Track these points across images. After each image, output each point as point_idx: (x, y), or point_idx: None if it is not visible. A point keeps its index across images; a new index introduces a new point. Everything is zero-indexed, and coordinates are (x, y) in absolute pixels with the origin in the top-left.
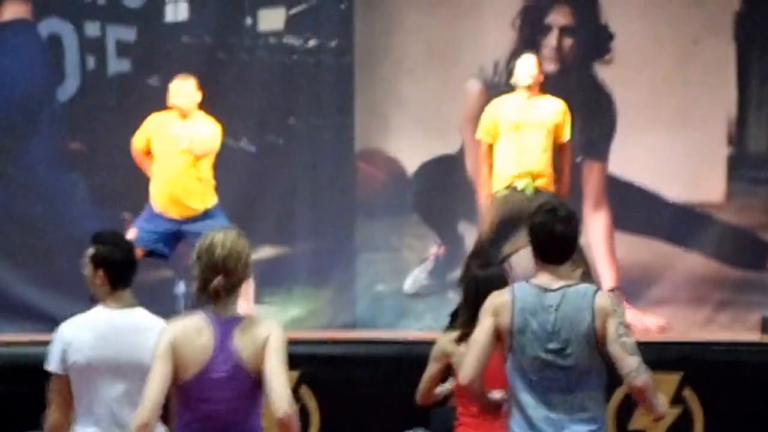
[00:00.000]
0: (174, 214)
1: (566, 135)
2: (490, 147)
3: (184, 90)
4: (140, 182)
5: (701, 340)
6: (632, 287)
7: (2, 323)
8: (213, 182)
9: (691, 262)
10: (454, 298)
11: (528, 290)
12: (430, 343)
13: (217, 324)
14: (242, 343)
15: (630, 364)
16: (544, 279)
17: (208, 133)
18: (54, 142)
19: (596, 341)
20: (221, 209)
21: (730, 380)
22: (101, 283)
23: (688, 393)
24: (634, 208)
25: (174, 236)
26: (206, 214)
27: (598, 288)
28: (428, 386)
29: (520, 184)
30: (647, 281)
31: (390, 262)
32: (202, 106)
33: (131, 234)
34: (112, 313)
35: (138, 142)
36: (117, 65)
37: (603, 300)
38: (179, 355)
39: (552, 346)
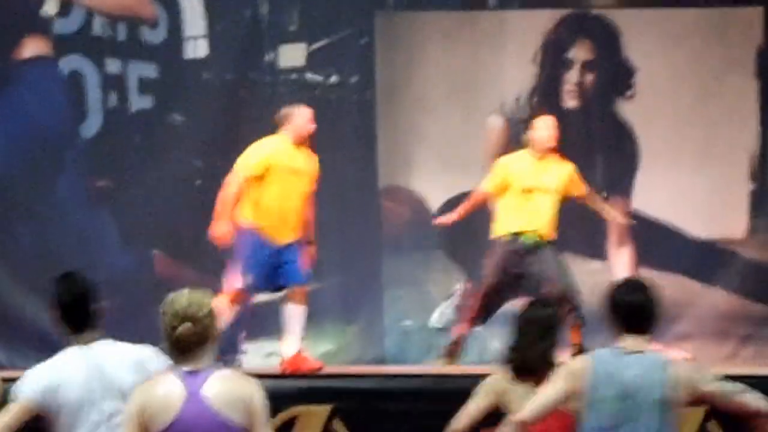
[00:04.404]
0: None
1: (580, 190)
2: (489, 196)
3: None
4: (169, 219)
5: (725, 374)
6: None
7: (33, 360)
8: None
9: (714, 297)
10: (480, 333)
11: (607, 354)
12: (457, 377)
13: (187, 377)
14: (217, 393)
15: (753, 399)
16: (624, 343)
17: None
18: (80, 179)
19: (670, 408)
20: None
21: None
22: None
23: (712, 427)
24: (657, 244)
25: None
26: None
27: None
28: (469, 422)
29: (525, 238)
30: (671, 317)
31: (416, 297)
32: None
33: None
34: (83, 351)
35: None
36: (139, 102)
37: (681, 370)
38: (145, 415)
39: (624, 407)
